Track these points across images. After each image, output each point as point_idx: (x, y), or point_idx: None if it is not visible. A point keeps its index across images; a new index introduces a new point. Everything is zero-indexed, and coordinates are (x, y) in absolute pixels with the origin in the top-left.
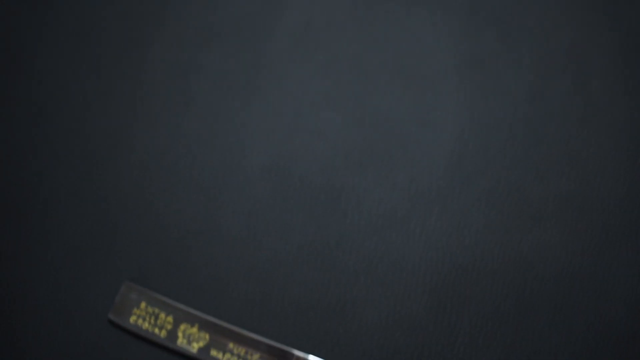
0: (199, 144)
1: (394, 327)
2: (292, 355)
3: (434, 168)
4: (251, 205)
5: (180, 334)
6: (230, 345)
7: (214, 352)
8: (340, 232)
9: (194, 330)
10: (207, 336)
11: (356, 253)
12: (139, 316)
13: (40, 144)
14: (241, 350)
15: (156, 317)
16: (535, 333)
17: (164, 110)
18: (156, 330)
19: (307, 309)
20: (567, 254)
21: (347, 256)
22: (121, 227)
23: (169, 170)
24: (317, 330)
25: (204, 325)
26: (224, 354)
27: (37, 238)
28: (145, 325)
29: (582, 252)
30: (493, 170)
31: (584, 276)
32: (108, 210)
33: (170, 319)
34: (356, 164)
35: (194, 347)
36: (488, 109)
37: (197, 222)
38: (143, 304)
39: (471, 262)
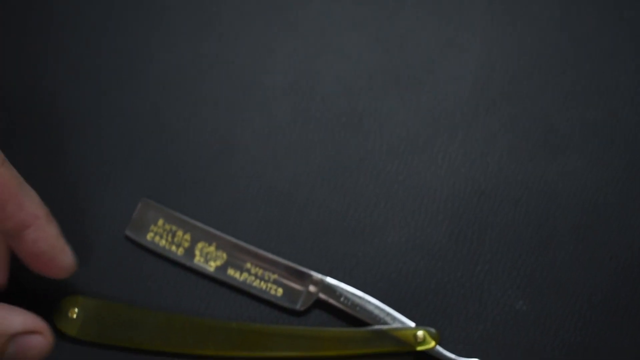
0: (220, 63)
1: (413, 252)
2: (310, 276)
3: (459, 92)
4: (271, 125)
5: (197, 252)
6: (248, 265)
7: (231, 272)
8: (361, 156)
9: (212, 249)
10: (225, 255)
11: (377, 177)
12: (156, 233)
13: (57, 61)
14: (259, 271)
15: (173, 235)
16: (556, 262)
17: (184, 29)
18: (173, 248)
19: (325, 232)
20: (592, 183)
21: (368, 180)
22: (139, 146)
23: (189, 90)
24: (335, 253)
25: (222, 245)
26: (241, 273)
27: (54, 154)
28: (162, 242)
29: (607, 182)
30: (519, 96)
31: (608, 206)
32: (127, 128)
33: (187, 237)
34: (379, 86)
35: (211, 266)
36: (516, 34)
37: (216, 141)
38: (160, 221)
39: (494, 189)
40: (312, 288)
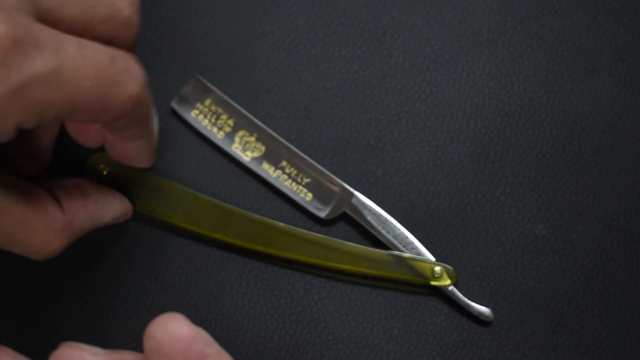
0: None
1: (434, 172)
2: (343, 188)
3: (486, 9)
4: (292, 38)
5: (237, 139)
6: (284, 163)
7: (266, 166)
8: (384, 72)
9: (252, 139)
10: (264, 148)
11: (399, 94)
12: (201, 111)
13: None
14: (293, 171)
15: (217, 117)
16: (579, 186)
17: None
18: (215, 130)
19: (344, 148)
20: (619, 107)
21: (390, 96)
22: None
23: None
24: (353, 171)
25: (263, 137)
26: (275, 169)
27: None
28: (205, 121)
29: (635, 105)
30: (548, 15)
31: (634, 130)
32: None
33: (231, 122)
34: (404, 0)
35: (248, 156)
36: None
37: (234, 53)
38: (208, 101)
39: (518, 109)
40: (341, 200)
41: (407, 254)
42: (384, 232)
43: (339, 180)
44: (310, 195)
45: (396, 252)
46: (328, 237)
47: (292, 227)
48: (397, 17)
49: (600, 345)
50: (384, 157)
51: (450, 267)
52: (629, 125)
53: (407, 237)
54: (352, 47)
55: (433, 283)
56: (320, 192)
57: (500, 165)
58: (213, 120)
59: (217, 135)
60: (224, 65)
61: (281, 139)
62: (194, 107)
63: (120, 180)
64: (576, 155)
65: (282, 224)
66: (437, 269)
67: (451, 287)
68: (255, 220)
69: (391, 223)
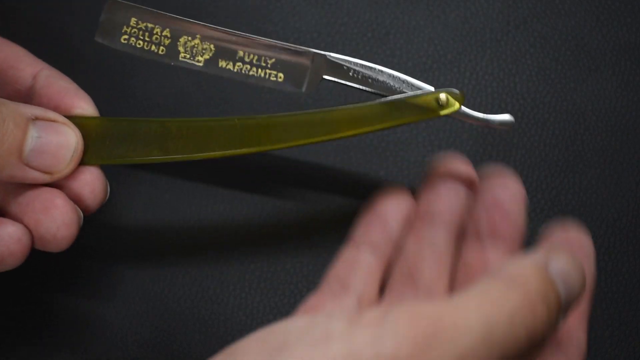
0: None
1: None
2: (312, 54)
3: (489, 9)
4: (295, 37)
5: (181, 48)
6: (240, 53)
7: (222, 63)
8: None
9: (196, 42)
10: (212, 47)
11: None
12: (130, 34)
13: None
14: (254, 57)
15: (150, 33)
16: (582, 186)
17: None
18: (153, 47)
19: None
20: (622, 107)
21: None
22: None
23: None
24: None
25: (207, 36)
26: (234, 63)
27: None
28: (140, 42)
29: (638, 105)
30: (550, 14)
31: (637, 129)
32: None
33: (167, 32)
34: (407, 0)
35: (199, 61)
36: None
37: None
38: (133, 20)
39: (521, 109)
40: (316, 66)
41: (404, 95)
42: (371, 81)
43: (305, 48)
44: (281, 75)
45: (393, 97)
46: (319, 110)
47: (279, 115)
48: (400, 17)
49: (602, 345)
50: (386, 157)
51: (454, 90)
52: (632, 124)
53: (398, 77)
54: (355, 47)
55: (442, 113)
56: (290, 68)
57: (504, 164)
58: (147, 37)
59: (158, 52)
60: None
61: (227, 29)
62: (121, 33)
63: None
64: (579, 155)
65: (266, 116)
66: (442, 96)
67: (462, 108)
68: (238, 122)
69: (376, 69)
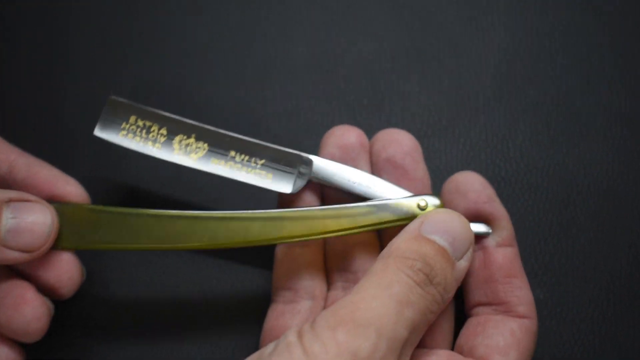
0: (242, 40)
1: None
2: (300, 157)
3: (482, 76)
4: (292, 104)
5: (175, 146)
6: (232, 153)
7: (214, 161)
8: None
9: (191, 140)
10: (206, 145)
11: None
12: (128, 130)
13: None
14: (244, 157)
15: (148, 130)
16: (575, 250)
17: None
18: (149, 144)
19: None
20: (614, 171)
21: None
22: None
23: (213, 63)
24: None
25: (202, 135)
26: (226, 162)
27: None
28: (137, 139)
29: (629, 169)
30: (542, 80)
31: (629, 194)
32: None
33: (164, 130)
34: (403, 67)
35: (193, 158)
36: (541, 16)
37: (237, 117)
38: (132, 118)
39: (514, 174)
40: (303, 169)
41: (387, 199)
42: (355, 185)
43: (293, 150)
44: (270, 175)
45: (377, 201)
46: (305, 209)
47: (267, 212)
48: (396, 83)
49: None
50: None
51: (433, 197)
52: (623, 189)
53: (380, 182)
54: (351, 112)
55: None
56: (278, 169)
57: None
58: (144, 135)
59: (154, 149)
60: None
61: (221, 131)
62: (120, 129)
63: (72, 226)
64: (572, 219)
65: (255, 212)
66: (422, 202)
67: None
68: (226, 218)
69: (359, 174)
